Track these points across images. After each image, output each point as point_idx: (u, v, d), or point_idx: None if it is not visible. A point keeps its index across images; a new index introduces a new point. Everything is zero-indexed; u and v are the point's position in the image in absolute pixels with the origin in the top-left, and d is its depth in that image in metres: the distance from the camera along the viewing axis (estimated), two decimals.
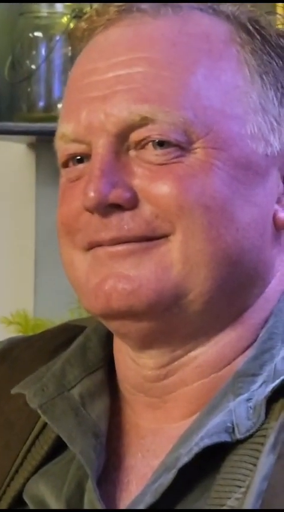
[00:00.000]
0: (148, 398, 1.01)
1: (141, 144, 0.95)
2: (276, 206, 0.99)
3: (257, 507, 0.92)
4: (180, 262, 0.97)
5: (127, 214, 0.96)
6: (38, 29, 2.08)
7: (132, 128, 0.95)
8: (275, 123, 0.98)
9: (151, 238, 0.96)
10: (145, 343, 1.01)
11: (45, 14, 2.12)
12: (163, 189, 0.95)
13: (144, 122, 0.95)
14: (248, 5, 1.12)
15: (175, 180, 0.95)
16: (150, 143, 0.94)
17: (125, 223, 0.97)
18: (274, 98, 0.99)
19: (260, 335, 1.01)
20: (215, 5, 1.01)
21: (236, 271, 1.00)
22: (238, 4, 1.02)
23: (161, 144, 0.94)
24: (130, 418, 1.04)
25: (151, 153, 0.95)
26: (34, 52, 2.06)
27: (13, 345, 1.17)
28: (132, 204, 0.96)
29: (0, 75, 2.08)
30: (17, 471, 1.06)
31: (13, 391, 1.06)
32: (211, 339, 1.01)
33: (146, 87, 0.96)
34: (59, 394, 1.06)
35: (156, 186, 0.96)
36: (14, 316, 2.05)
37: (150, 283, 0.97)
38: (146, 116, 0.94)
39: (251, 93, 0.99)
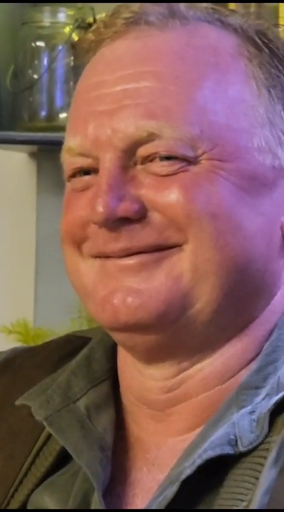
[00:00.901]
0: (151, 411, 1.00)
1: (148, 159, 0.93)
2: (283, 217, 0.98)
3: None
4: (189, 272, 0.95)
5: (137, 225, 0.95)
6: (40, 38, 2.06)
7: (139, 143, 0.95)
8: (283, 137, 0.98)
9: (163, 247, 0.94)
10: (152, 355, 0.99)
11: (48, 24, 2.09)
12: (170, 197, 0.94)
13: (150, 137, 0.94)
14: (253, 16, 1.15)
15: (181, 189, 0.94)
16: (157, 157, 0.93)
17: (136, 233, 0.95)
18: (282, 112, 0.99)
19: (264, 347, 0.99)
20: (223, 18, 1.00)
21: (243, 280, 0.99)
22: (246, 17, 1.02)
23: (168, 158, 0.93)
24: (134, 430, 1.03)
25: (158, 165, 0.94)
26: (36, 62, 2.03)
27: (16, 354, 1.15)
28: (141, 215, 0.95)
29: (2, 84, 2.07)
30: (21, 482, 1.05)
31: (17, 402, 1.04)
32: (217, 351, 1.00)
33: (153, 102, 0.95)
34: (64, 406, 1.04)
35: (163, 195, 0.95)
36: (14, 325, 2.02)
37: (159, 294, 0.96)
38: (153, 132, 0.94)
39: (258, 107, 0.98)
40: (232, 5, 2.02)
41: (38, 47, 2.05)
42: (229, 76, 0.99)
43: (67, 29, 1.91)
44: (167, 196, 0.95)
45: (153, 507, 0.93)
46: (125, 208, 0.94)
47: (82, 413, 1.04)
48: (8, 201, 2.22)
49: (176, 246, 0.95)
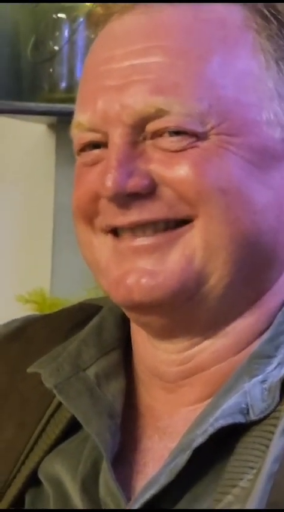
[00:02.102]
0: (163, 382, 1.00)
1: (157, 134, 0.93)
2: None
3: (268, 488, 0.91)
4: (201, 249, 0.96)
5: (147, 200, 0.94)
6: (61, 10, 2.00)
7: (147, 119, 0.94)
8: None
9: (174, 221, 0.95)
10: (165, 331, 1.00)
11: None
12: (180, 173, 0.94)
13: (159, 113, 0.94)
14: None
15: (191, 165, 0.94)
16: (166, 132, 0.93)
17: (145, 208, 0.95)
18: None
19: (277, 318, 0.99)
20: None
21: (254, 253, 0.99)
22: None
23: (177, 133, 0.94)
24: (145, 400, 1.03)
25: (167, 141, 0.93)
26: (57, 33, 2.00)
27: (29, 323, 1.16)
28: (150, 189, 0.94)
29: (23, 54, 2.04)
30: (32, 449, 1.06)
31: (29, 370, 1.05)
32: (229, 324, 0.99)
33: (161, 78, 0.95)
34: (74, 374, 1.05)
35: (173, 171, 0.95)
36: (31, 294, 1.99)
37: (174, 275, 0.96)
38: (162, 108, 0.93)
39: (267, 80, 0.97)
40: None
41: (59, 19, 2.02)
42: (237, 49, 0.99)
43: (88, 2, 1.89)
44: (177, 171, 0.95)
45: (164, 475, 0.94)
46: (135, 183, 0.94)
47: (91, 381, 1.04)
48: (27, 171, 2.19)
49: (186, 221, 0.96)
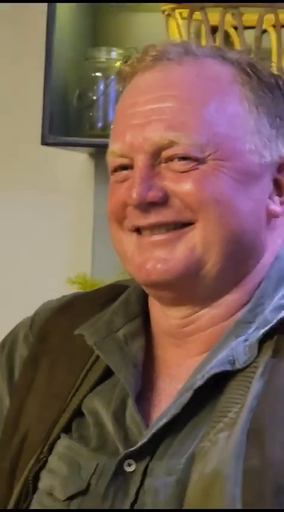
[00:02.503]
0: (173, 340, 1.23)
1: (169, 159, 1.16)
2: (268, 201, 1.21)
3: (250, 418, 1.15)
4: (200, 243, 1.17)
5: (161, 207, 1.17)
6: (98, 70, 2.27)
7: (162, 148, 1.16)
8: (267, 142, 1.21)
9: (181, 223, 1.19)
10: (174, 303, 1.21)
11: (104, 60, 2.27)
12: (186, 188, 1.16)
13: (171, 144, 1.16)
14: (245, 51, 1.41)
15: (194, 182, 1.17)
16: (176, 158, 1.16)
17: (160, 213, 1.17)
18: (267, 123, 1.22)
19: (255, 294, 1.23)
20: (223, 54, 1.25)
21: (239, 247, 1.22)
22: (240, 53, 1.30)
23: (184, 158, 1.16)
24: (159, 353, 1.26)
25: (177, 164, 1.16)
26: (95, 87, 2.25)
27: (76, 298, 1.41)
28: (164, 200, 1.17)
29: (70, 102, 2.29)
30: (77, 390, 1.28)
31: (76, 332, 1.29)
32: (221, 298, 1.22)
33: (173, 118, 1.17)
34: (108, 335, 1.28)
35: (181, 186, 1.17)
36: (76, 277, 2.22)
37: (180, 262, 1.17)
38: (173, 140, 1.16)
39: (249, 120, 1.21)
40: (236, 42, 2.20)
41: (96, 77, 2.26)
42: (227, 98, 1.22)
43: (118, 64, 2.15)
44: (183, 187, 1.17)
45: (173, 408, 1.17)
46: (153, 195, 1.15)
47: (120, 340, 1.27)
48: (74, 188, 2.43)
49: (190, 224, 1.18)
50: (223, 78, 1.25)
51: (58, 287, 1.95)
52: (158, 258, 1.20)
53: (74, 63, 2.31)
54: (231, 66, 1.25)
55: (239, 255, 1.24)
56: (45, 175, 2.45)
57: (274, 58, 2.13)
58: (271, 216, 1.25)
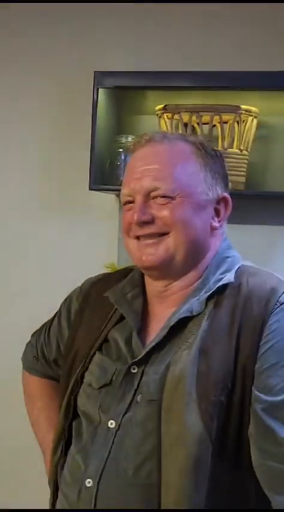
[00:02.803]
0: (158, 299, 1.62)
1: (155, 197, 1.54)
2: (211, 220, 1.60)
3: (200, 343, 1.51)
4: (173, 246, 1.54)
5: (151, 225, 1.55)
6: (120, 148, 2.72)
7: (150, 191, 1.53)
8: (210, 187, 1.59)
9: (161, 233, 1.54)
10: (158, 278, 1.59)
11: (124, 142, 2.71)
12: (164, 213, 1.55)
13: (155, 189, 1.53)
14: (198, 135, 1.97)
15: (169, 210, 1.54)
16: (158, 197, 1.54)
17: (150, 228, 1.56)
18: (210, 176, 1.60)
19: (203, 274, 1.58)
20: (186, 137, 1.64)
21: (195, 248, 1.56)
22: (196, 137, 1.67)
23: (163, 196, 1.54)
24: (151, 307, 1.64)
25: (159, 200, 1.54)
26: (118, 157, 2.71)
27: (104, 275, 1.82)
28: (151, 220, 1.55)
29: (104, 166, 2.75)
30: (105, 327, 1.68)
31: (104, 294, 1.68)
32: (185, 276, 1.59)
33: (157, 174, 1.56)
34: (122, 296, 1.67)
35: (161, 212, 1.55)
36: (108, 264, 2.68)
37: (161, 256, 1.56)
38: (157, 187, 1.53)
39: (200, 175, 1.57)
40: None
41: (119, 152, 2.72)
42: (188, 162, 1.57)
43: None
44: (163, 213, 1.55)
45: (157, 337, 1.55)
46: (145, 217, 1.53)
47: (129, 299, 1.65)
48: (107, 215, 2.90)
49: (166, 234, 1.55)
50: (186, 151, 1.60)
51: (99, 270, 2.03)
52: (148, 253, 1.56)
53: (107, 143, 2.75)
54: (190, 144, 1.61)
55: (195, 252, 1.58)
56: (91, 208, 2.91)
57: (219, 140, 2.59)
58: (213, 229, 1.60)
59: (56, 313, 1.91)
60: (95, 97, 2.65)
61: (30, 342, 1.99)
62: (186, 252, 1.58)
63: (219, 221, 1.61)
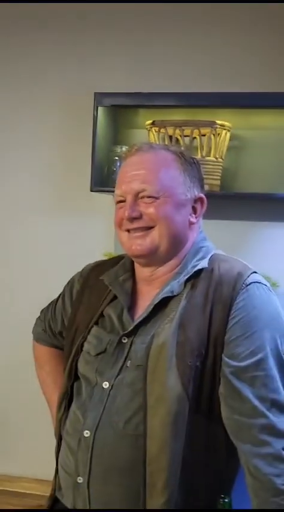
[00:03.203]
0: (145, 282, 1.85)
1: (142, 196, 1.76)
2: (189, 216, 1.82)
3: (179, 318, 1.69)
4: (157, 237, 1.76)
5: (139, 220, 1.76)
6: (116, 156, 2.95)
7: (139, 192, 1.75)
8: (188, 188, 1.80)
9: (148, 227, 1.74)
10: (145, 265, 1.80)
11: (119, 151, 2.93)
12: (150, 211, 1.77)
13: (143, 190, 1.75)
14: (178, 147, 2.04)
15: (154, 208, 1.77)
16: (145, 196, 1.76)
17: (138, 222, 1.76)
18: (188, 180, 1.81)
19: (182, 261, 1.80)
20: (169, 147, 1.82)
21: (176, 239, 1.76)
22: (178, 147, 1.86)
23: (149, 197, 1.76)
24: (139, 289, 1.86)
25: (146, 199, 1.76)
26: (115, 164, 2.95)
27: (102, 261, 2.04)
28: (139, 216, 1.76)
29: (103, 171, 2.97)
30: (101, 304, 1.89)
31: (101, 277, 1.90)
32: (167, 263, 1.82)
33: (144, 178, 1.76)
34: (114, 279, 1.89)
35: (148, 210, 1.77)
36: (106, 254, 2.84)
37: (147, 246, 1.76)
38: (144, 188, 1.75)
39: (180, 178, 1.79)
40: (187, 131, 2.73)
41: (116, 159, 2.95)
42: (170, 167, 1.78)
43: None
44: (149, 210, 1.76)
45: (145, 313, 1.77)
46: (134, 214, 1.75)
47: (121, 282, 1.87)
48: (105, 212, 3.01)
49: (152, 227, 1.75)
50: (168, 158, 1.81)
51: (99, 258, 2.20)
52: (137, 244, 1.76)
53: (105, 152, 2.98)
54: (172, 153, 1.82)
55: (176, 242, 1.78)
56: (92, 206, 3.11)
57: (198, 150, 2.80)
58: (190, 224, 1.80)
59: (61, 293, 2.14)
60: (95, 114, 2.87)
61: (39, 317, 2.23)
62: (168, 243, 1.77)
63: (196, 217, 1.81)
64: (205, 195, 1.85)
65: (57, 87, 3.14)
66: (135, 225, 1.77)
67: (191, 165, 1.81)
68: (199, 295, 1.70)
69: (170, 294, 1.74)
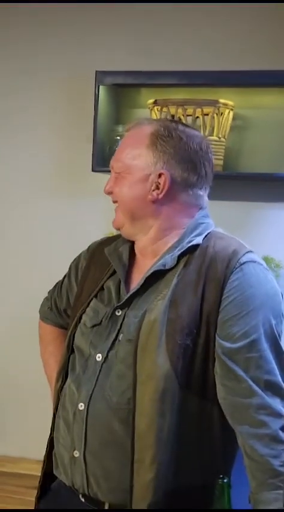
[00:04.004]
0: (141, 255, 1.84)
1: (115, 172, 1.81)
2: (149, 192, 1.81)
3: (171, 298, 1.69)
4: (121, 213, 1.83)
5: (112, 195, 1.85)
6: (118, 135, 2.97)
7: (113, 168, 1.85)
8: (150, 163, 1.79)
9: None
10: (127, 237, 1.84)
11: (120, 130, 2.96)
12: (114, 186, 1.84)
13: (113, 166, 1.84)
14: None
15: (114, 184, 1.84)
16: (114, 172, 1.82)
17: (112, 197, 1.84)
18: (154, 154, 1.78)
19: (179, 236, 1.79)
20: (158, 120, 1.87)
21: (134, 216, 1.84)
22: (165, 121, 1.85)
23: (116, 172, 1.82)
24: (137, 262, 1.86)
25: (115, 175, 1.82)
26: (116, 143, 2.91)
27: (106, 238, 2.04)
28: (111, 192, 1.86)
29: (105, 150, 2.98)
30: (102, 278, 1.90)
31: (105, 251, 1.90)
32: (163, 239, 1.82)
33: (116, 155, 1.85)
34: (114, 250, 1.89)
35: (114, 186, 1.85)
36: (108, 233, 2.55)
37: (117, 220, 1.85)
38: (113, 165, 1.84)
39: (144, 153, 1.79)
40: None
41: (117, 139, 2.95)
42: (138, 144, 1.80)
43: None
44: (114, 187, 1.85)
45: (138, 285, 1.77)
46: (106, 189, 1.86)
47: (120, 253, 1.87)
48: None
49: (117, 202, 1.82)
50: (143, 133, 1.80)
51: (101, 236, 2.16)
52: (114, 218, 1.90)
53: (107, 132, 3.00)
54: (152, 126, 1.81)
55: (135, 219, 1.84)
56: (94, 185, 3.06)
57: (201, 129, 2.79)
58: (153, 200, 1.80)
59: (67, 272, 2.13)
60: (96, 93, 2.89)
61: (46, 297, 2.23)
62: (127, 219, 1.83)
63: (159, 193, 1.78)
64: (184, 170, 1.79)
65: (58, 66, 3.17)
66: (112, 199, 1.85)
67: (171, 138, 1.78)
68: (192, 273, 1.69)
69: (162, 268, 1.73)
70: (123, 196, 1.81)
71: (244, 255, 1.72)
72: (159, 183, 1.76)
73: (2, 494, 2.90)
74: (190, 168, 1.78)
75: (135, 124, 1.83)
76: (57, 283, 2.18)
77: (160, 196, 1.76)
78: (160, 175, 1.76)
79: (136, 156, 1.77)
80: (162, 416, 1.65)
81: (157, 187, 1.76)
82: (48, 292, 2.21)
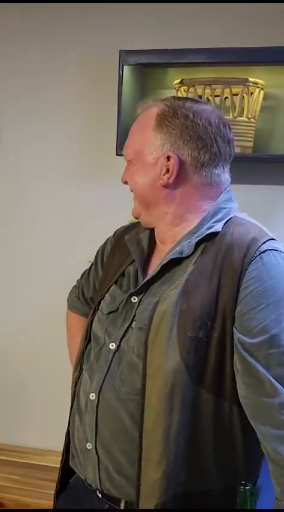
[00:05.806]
0: (160, 241, 1.76)
1: (127, 161, 1.73)
2: (159, 177, 1.70)
3: (184, 287, 1.59)
4: (137, 202, 1.76)
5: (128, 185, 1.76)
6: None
7: (125, 157, 1.76)
8: (157, 146, 1.68)
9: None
10: (146, 226, 1.78)
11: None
12: (125, 177, 1.78)
13: (124, 155, 1.76)
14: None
15: (126, 174, 1.77)
16: (126, 161, 1.73)
17: (130, 186, 1.76)
18: (161, 136, 1.68)
19: (197, 222, 1.68)
20: (165, 100, 1.70)
21: (148, 203, 1.78)
22: (173, 99, 1.70)
23: (128, 161, 1.74)
24: (156, 248, 1.79)
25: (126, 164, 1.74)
26: None
27: (129, 225, 1.97)
28: (127, 182, 1.77)
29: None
30: (124, 263, 1.82)
31: (125, 237, 1.85)
32: (181, 224, 1.72)
33: (126, 143, 1.77)
34: (134, 236, 1.82)
35: (127, 175, 1.78)
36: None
37: (135, 209, 1.77)
38: (124, 153, 1.76)
39: (151, 137, 1.69)
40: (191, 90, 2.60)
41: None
42: (145, 127, 1.71)
43: None
44: (127, 176, 1.78)
45: (152, 273, 1.68)
46: (122, 180, 1.78)
47: (139, 239, 1.80)
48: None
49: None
50: (150, 116, 1.71)
51: (125, 222, 2.07)
52: (133, 207, 1.82)
53: (132, 113, 2.42)
54: (159, 107, 1.70)
55: (149, 206, 1.77)
56: (118, 170, 2.25)
57: (230, 110, 2.70)
58: (164, 185, 1.70)
59: (94, 259, 2.08)
60: (121, 73, 2.79)
61: (74, 285, 2.18)
62: (143, 206, 1.76)
63: (169, 177, 1.68)
64: (198, 151, 1.67)
65: (83, 46, 3.09)
66: (129, 188, 1.77)
67: (176, 117, 1.65)
68: (207, 261, 1.59)
69: (179, 256, 1.64)
70: (136, 184, 1.72)
71: (264, 243, 1.60)
72: (169, 167, 1.65)
73: (30, 489, 2.92)
74: (200, 147, 1.66)
75: (143, 107, 1.72)
76: (84, 271, 2.13)
77: (171, 180, 1.65)
78: (168, 158, 1.65)
79: (143, 140, 1.68)
80: (170, 413, 1.57)
81: (168, 171, 1.65)
82: (77, 281, 2.16)
